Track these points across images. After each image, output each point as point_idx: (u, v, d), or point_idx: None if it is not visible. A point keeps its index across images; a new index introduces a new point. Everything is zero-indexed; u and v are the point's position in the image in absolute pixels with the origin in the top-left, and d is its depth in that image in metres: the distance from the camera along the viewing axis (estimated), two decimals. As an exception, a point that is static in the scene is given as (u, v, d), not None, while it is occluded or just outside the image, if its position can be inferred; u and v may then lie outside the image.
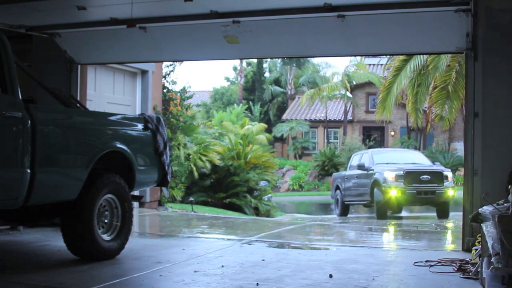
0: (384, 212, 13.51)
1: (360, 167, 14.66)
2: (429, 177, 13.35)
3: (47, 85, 6.10)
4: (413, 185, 13.24)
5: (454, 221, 11.16)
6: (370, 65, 35.96)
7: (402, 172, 13.35)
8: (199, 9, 7.01)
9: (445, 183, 13.38)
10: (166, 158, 6.36)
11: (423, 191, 13.28)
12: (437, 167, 14.40)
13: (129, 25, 7.41)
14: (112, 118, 6.02)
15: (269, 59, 40.64)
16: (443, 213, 13.43)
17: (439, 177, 13.48)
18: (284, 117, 36.93)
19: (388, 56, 21.34)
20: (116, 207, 5.65)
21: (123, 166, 5.78)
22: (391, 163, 14.35)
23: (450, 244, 7.43)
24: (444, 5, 6.38)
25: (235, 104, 34.79)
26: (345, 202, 15.09)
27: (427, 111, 19.67)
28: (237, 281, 4.66)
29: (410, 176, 13.33)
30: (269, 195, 16.13)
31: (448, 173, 13.87)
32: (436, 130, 29.73)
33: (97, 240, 5.28)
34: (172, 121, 13.34)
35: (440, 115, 17.62)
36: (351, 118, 35.26)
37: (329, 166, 29.30)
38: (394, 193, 13.16)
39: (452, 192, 13.42)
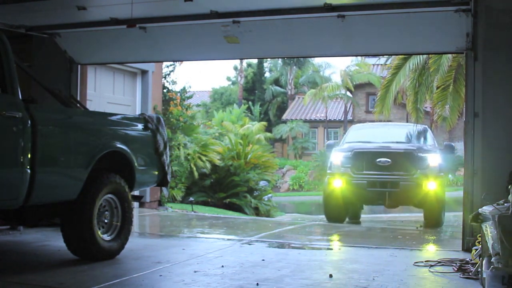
0: (329, 211, 9.64)
1: (329, 147, 10.54)
2: (389, 160, 8.99)
3: (47, 85, 6.10)
4: (364, 172, 9.16)
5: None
6: (373, 65, 35.95)
7: (350, 153, 9.32)
8: (199, 9, 7.02)
9: (418, 171, 9.01)
10: (166, 158, 6.36)
11: (378, 181, 9.03)
12: (411, 145, 9.72)
13: (129, 25, 7.42)
14: (112, 118, 6.02)
15: (269, 59, 40.66)
16: (431, 217, 9.24)
17: (407, 160, 9.04)
18: (284, 117, 36.95)
19: (388, 56, 21.39)
20: (116, 207, 5.65)
21: (123, 166, 5.78)
22: (364, 141, 10.09)
23: (450, 244, 7.43)
24: (444, 5, 6.39)
25: (235, 104, 34.81)
26: None
27: (431, 112, 19.68)
28: (237, 281, 4.66)
29: (360, 159, 9.23)
30: (269, 195, 16.13)
31: (429, 154, 9.21)
32: (437, 130, 29.74)
33: (97, 240, 5.27)
34: (172, 121, 13.35)
35: (443, 116, 17.61)
36: (351, 118, 35.28)
37: (329, 166, 29.30)
38: (338, 184, 9.23)
39: (434, 185, 8.92)
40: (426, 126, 11.82)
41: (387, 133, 10.82)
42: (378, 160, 9.07)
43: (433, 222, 9.17)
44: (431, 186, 8.94)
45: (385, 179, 9.01)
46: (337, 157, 9.49)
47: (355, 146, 9.57)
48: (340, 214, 9.69)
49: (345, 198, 9.41)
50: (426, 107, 20.47)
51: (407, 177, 9.01)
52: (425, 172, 9.04)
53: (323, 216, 10.72)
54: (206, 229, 8.75)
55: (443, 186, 9.27)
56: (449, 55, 15.04)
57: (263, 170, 16.38)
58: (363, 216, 11.85)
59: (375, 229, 9.58)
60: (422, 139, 10.46)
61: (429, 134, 10.74)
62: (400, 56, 17.81)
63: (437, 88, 17.18)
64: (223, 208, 14.17)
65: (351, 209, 10.49)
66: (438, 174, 9.16)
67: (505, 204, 4.30)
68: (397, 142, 9.86)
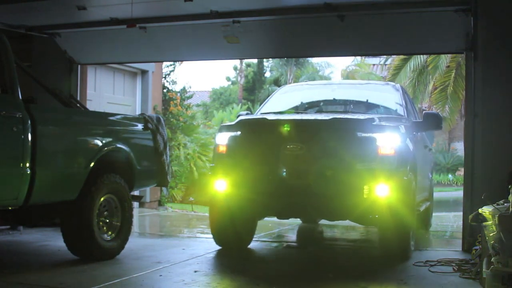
0: (214, 228, 5.98)
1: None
2: (302, 146, 5.15)
3: (47, 85, 6.10)
4: (260, 166, 5.37)
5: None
6: (373, 65, 35.84)
7: (238, 133, 5.55)
8: (199, 9, 7.02)
9: (358, 164, 5.11)
10: (166, 158, 6.36)
11: (283, 184, 5.24)
12: (349, 117, 5.56)
13: (129, 25, 7.42)
14: (112, 118, 6.02)
15: (271, 59, 40.68)
16: (387, 242, 5.42)
17: (337, 144, 5.16)
18: (284, 117, 36.89)
19: (388, 56, 21.43)
20: (116, 207, 5.65)
21: (123, 166, 5.78)
22: (287, 112, 6.43)
23: (450, 244, 7.43)
24: (444, 5, 6.39)
25: (235, 104, 34.80)
26: None
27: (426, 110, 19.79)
28: (237, 281, 4.66)
29: (255, 143, 5.47)
30: (269, 195, 16.08)
31: (378, 134, 5.14)
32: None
33: (97, 240, 5.27)
34: (172, 121, 13.35)
35: (444, 117, 17.70)
36: (351, 117, 35.09)
37: (329, 166, 29.22)
38: (221, 186, 5.49)
39: (386, 189, 5.03)
40: (398, 85, 7.56)
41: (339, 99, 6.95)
42: (285, 144, 5.20)
43: (391, 249, 5.48)
44: (380, 192, 5.06)
45: (294, 181, 5.23)
46: (221, 139, 5.67)
47: (247, 119, 5.86)
48: (231, 234, 5.94)
49: (234, 210, 5.66)
50: (425, 107, 20.53)
51: (334, 176, 5.11)
52: (370, 166, 5.12)
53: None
54: (206, 229, 8.74)
55: (408, 191, 5.34)
56: (448, 55, 15.06)
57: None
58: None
59: (373, 228, 9.57)
60: (385, 106, 6.62)
61: (399, 99, 6.60)
62: (401, 57, 17.90)
63: (436, 88, 17.26)
64: (223, 208, 14.14)
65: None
66: (396, 170, 5.18)
67: (505, 204, 4.30)
68: (341, 112, 6.12)
